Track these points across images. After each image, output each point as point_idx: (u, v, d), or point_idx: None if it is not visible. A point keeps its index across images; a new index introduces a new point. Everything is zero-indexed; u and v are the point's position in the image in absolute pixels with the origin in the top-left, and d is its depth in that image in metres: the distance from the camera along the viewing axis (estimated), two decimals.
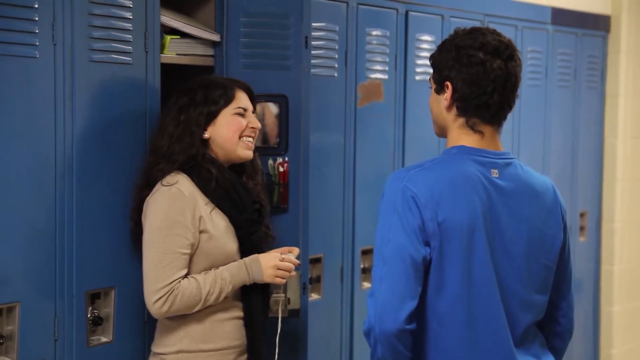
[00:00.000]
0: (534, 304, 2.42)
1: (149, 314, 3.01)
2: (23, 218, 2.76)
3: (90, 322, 2.95)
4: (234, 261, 2.96)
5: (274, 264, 2.97)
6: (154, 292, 2.83)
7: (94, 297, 2.97)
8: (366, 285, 4.05)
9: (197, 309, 2.88)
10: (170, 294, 2.83)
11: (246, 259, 2.96)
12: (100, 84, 2.94)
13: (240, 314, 2.99)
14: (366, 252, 4.05)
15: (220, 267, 2.92)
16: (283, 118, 3.32)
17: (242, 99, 3.01)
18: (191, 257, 2.88)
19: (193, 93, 2.98)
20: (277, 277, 2.98)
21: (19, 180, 2.74)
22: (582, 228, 5.53)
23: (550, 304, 2.50)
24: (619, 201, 5.69)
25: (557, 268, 2.47)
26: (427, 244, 2.30)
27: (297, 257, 3.10)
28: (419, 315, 2.32)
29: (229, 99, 2.98)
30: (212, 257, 2.91)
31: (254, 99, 3.08)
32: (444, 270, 2.31)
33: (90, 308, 2.95)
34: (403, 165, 4.17)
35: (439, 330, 2.34)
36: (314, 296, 3.79)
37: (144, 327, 3.09)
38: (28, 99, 2.76)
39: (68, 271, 2.87)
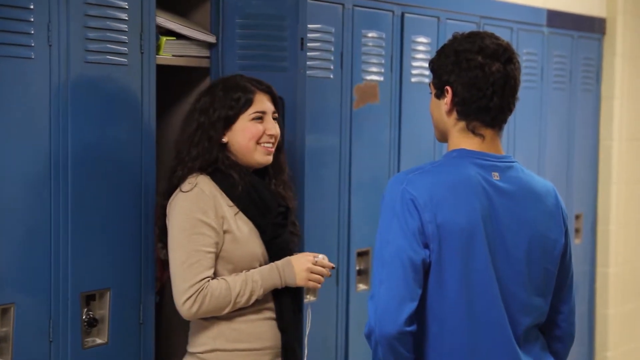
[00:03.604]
0: (534, 307, 2.42)
1: (144, 315, 3.01)
2: (18, 219, 2.75)
3: (86, 323, 2.94)
4: (259, 263, 2.92)
5: (307, 267, 2.90)
6: (182, 293, 2.79)
7: (89, 299, 2.96)
8: (361, 287, 4.05)
9: (227, 310, 2.83)
10: (199, 294, 2.78)
11: (278, 262, 2.91)
12: (95, 85, 2.94)
13: (273, 315, 2.94)
14: (362, 254, 4.05)
15: (251, 270, 2.87)
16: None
17: (261, 102, 2.96)
18: (216, 258, 2.85)
19: (214, 94, 2.95)
20: (310, 280, 2.92)
21: (14, 181, 2.73)
22: (577, 230, 5.53)
23: (552, 308, 2.49)
24: (615, 203, 5.70)
25: (558, 272, 2.47)
26: (426, 246, 2.30)
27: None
28: (419, 317, 2.32)
29: (247, 103, 2.93)
30: (235, 261, 2.87)
31: (276, 101, 3.02)
32: (443, 273, 2.32)
33: (86, 310, 2.95)
34: (399, 167, 4.17)
35: (439, 333, 2.34)
36: (309, 298, 3.79)
37: (139, 328, 3.09)
38: (23, 100, 2.75)
39: (63, 273, 2.86)
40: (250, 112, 2.94)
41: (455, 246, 2.31)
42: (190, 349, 2.95)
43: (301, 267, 2.90)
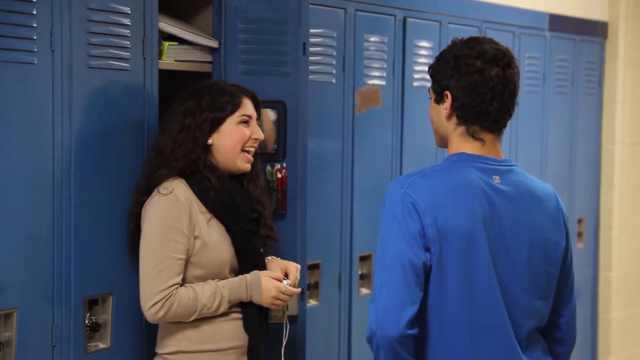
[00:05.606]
0: (535, 310, 2.42)
1: (146, 320, 3.01)
2: (21, 224, 2.75)
3: (88, 328, 2.95)
4: (229, 268, 2.96)
5: (273, 294, 2.95)
6: (150, 297, 2.83)
7: (92, 304, 2.97)
8: (364, 291, 4.05)
9: (192, 318, 2.87)
10: (166, 300, 2.82)
11: (248, 277, 2.94)
12: (98, 90, 2.94)
13: (240, 315, 2.97)
14: (364, 259, 4.05)
15: (222, 282, 2.91)
16: (281, 124, 3.32)
17: (247, 107, 3.01)
18: (185, 263, 2.88)
19: (200, 97, 2.98)
20: (274, 304, 2.98)
21: (17, 187, 2.74)
22: (579, 234, 5.53)
23: (553, 311, 2.50)
24: (617, 207, 5.69)
25: (559, 275, 2.48)
26: (427, 249, 2.31)
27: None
28: (421, 320, 2.33)
29: (235, 107, 2.98)
30: (204, 266, 2.91)
31: (259, 107, 3.08)
32: (444, 276, 2.32)
33: (88, 314, 2.95)
34: (401, 171, 4.17)
35: (440, 336, 2.35)
36: (312, 302, 3.79)
37: (142, 333, 3.09)
38: (26, 105, 2.75)
39: (66, 277, 2.86)
40: (237, 115, 2.98)
41: (456, 249, 2.31)
42: (157, 349, 2.98)
43: (268, 292, 2.95)
